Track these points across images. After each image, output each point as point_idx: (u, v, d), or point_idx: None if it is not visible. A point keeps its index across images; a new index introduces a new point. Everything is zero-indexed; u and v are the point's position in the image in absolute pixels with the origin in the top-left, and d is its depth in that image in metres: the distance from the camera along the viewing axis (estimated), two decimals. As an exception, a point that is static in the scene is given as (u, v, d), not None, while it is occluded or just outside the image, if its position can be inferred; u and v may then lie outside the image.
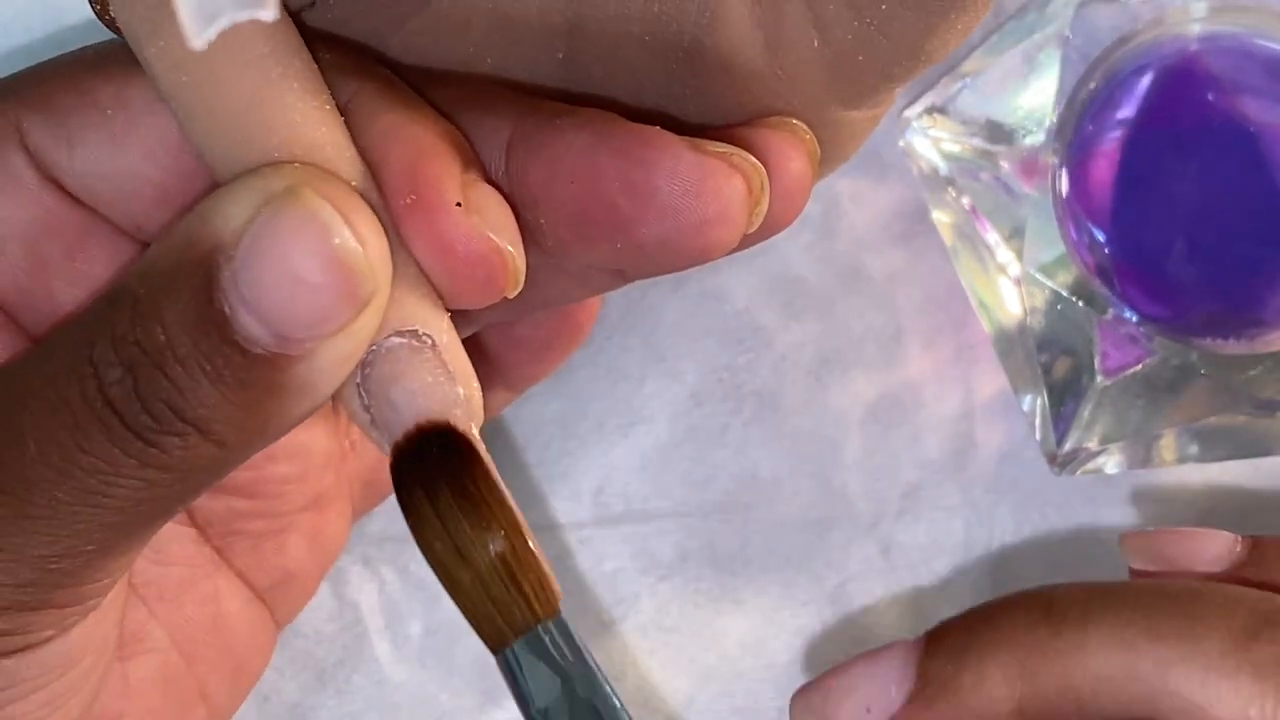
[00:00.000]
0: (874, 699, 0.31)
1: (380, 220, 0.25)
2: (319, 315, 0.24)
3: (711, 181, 0.26)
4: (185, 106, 0.25)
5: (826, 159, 0.29)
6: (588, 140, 0.26)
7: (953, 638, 0.31)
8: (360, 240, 0.24)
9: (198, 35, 0.22)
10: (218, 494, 0.32)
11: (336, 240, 0.24)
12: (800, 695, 0.32)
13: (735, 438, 0.38)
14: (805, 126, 0.28)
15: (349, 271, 0.24)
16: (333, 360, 0.25)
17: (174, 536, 0.32)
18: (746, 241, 0.28)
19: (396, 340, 0.26)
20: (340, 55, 0.27)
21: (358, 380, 0.26)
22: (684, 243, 0.26)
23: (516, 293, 0.27)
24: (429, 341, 0.26)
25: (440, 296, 0.26)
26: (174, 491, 0.26)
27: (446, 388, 0.26)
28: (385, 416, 0.26)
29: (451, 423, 0.26)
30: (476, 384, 0.27)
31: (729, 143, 0.27)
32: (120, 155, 0.27)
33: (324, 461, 0.33)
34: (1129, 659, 0.29)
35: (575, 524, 0.38)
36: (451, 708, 0.39)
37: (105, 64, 0.27)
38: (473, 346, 0.34)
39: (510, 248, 0.26)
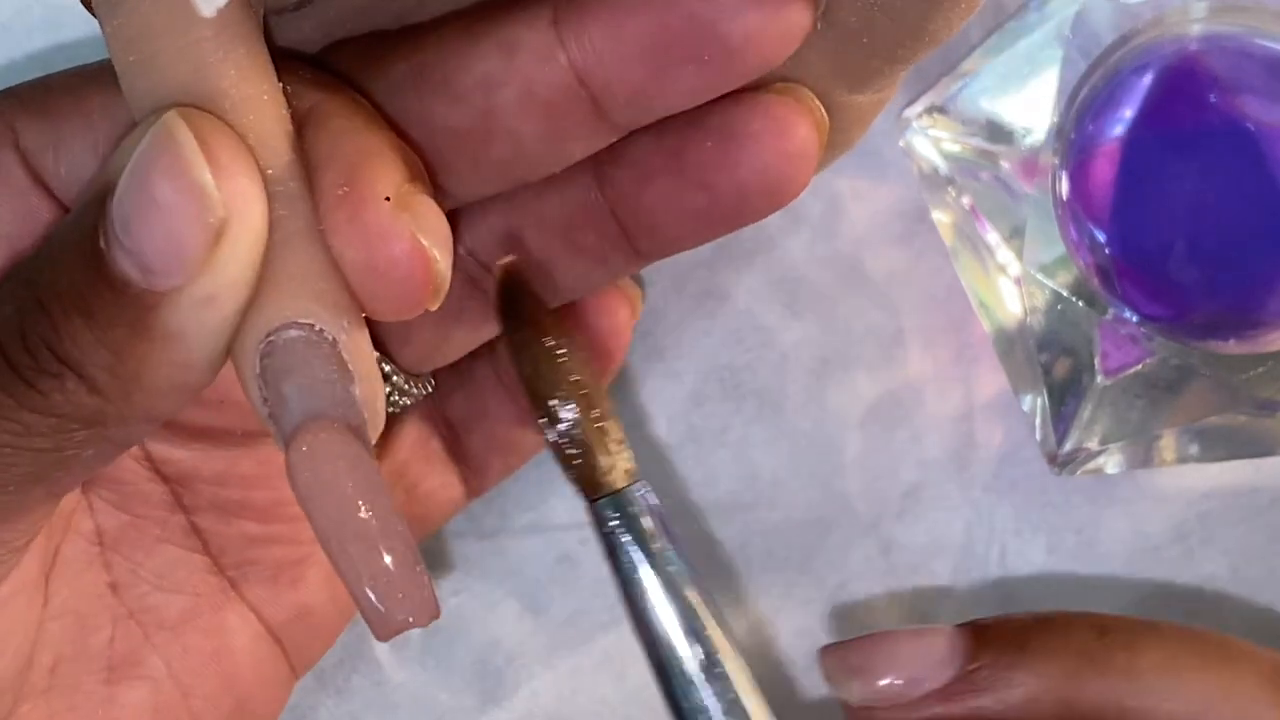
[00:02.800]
0: (918, 672, 0.32)
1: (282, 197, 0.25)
2: (170, 239, 0.24)
3: None
4: (131, 85, 0.26)
5: (832, 144, 0.29)
6: None
7: (1007, 635, 0.32)
8: (217, 168, 0.24)
9: (208, 5, 0.22)
10: (231, 517, 0.32)
11: (187, 162, 0.24)
12: (836, 650, 0.33)
13: (735, 438, 0.38)
14: (812, 95, 0.28)
15: (197, 194, 0.24)
16: (195, 301, 0.25)
17: (181, 563, 0.32)
18: (753, 207, 0.28)
19: (295, 333, 0.25)
20: (313, 71, 0.27)
21: (257, 370, 0.26)
22: (768, 26, 0.26)
23: (437, 305, 0.26)
24: (329, 338, 0.25)
25: (359, 297, 0.26)
26: (52, 444, 0.26)
27: (339, 387, 0.25)
28: (276, 410, 0.26)
29: None
30: (379, 387, 0.26)
31: (736, 108, 0.28)
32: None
33: None
34: (1176, 684, 0.31)
35: (575, 524, 0.38)
36: (451, 708, 0.39)
37: (103, 75, 0.28)
38: (502, 384, 0.34)
39: (436, 252, 0.25)
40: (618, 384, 0.38)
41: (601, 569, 0.38)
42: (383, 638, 0.25)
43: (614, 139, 0.28)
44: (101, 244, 0.25)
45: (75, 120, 0.27)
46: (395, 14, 0.28)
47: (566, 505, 0.38)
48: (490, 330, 0.32)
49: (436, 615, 0.25)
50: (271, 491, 0.32)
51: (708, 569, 0.38)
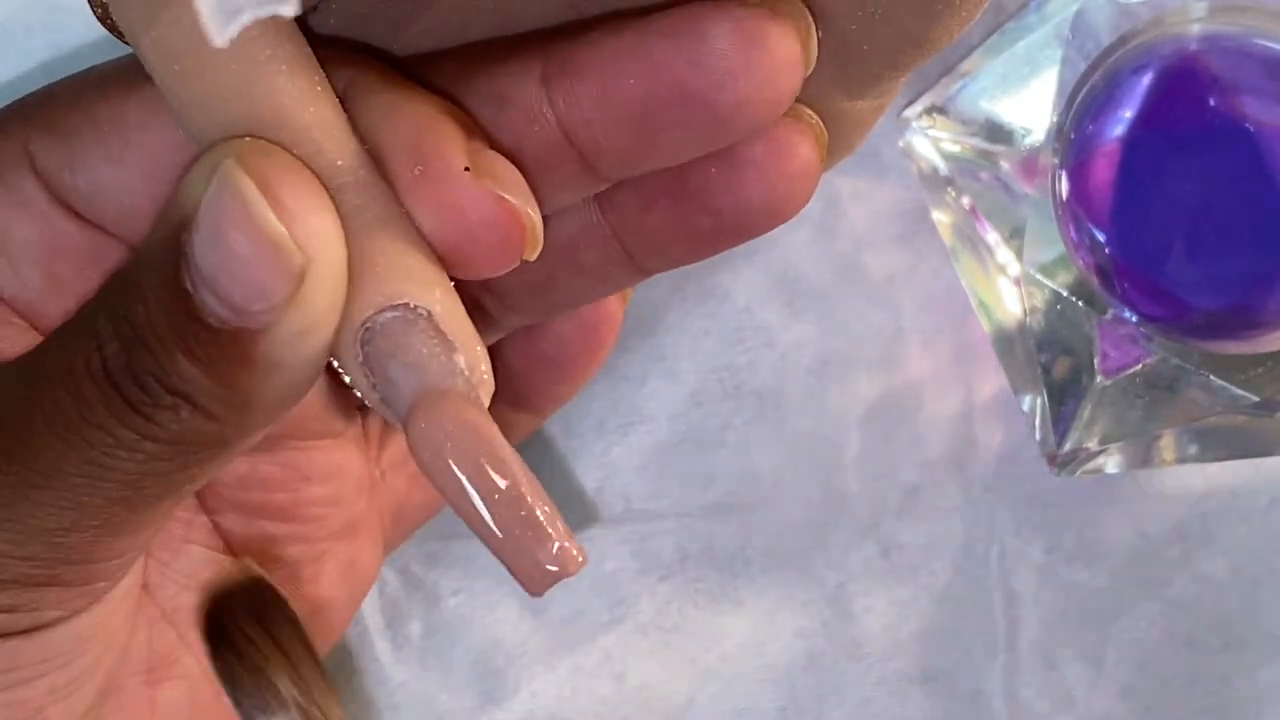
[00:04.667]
0: None
1: (339, 193, 0.25)
2: (256, 288, 0.24)
3: (766, 28, 0.26)
4: (178, 97, 0.25)
5: (832, 150, 0.29)
6: (631, 38, 0.26)
7: None
8: (284, 214, 0.24)
9: (219, 34, 0.22)
10: (253, 518, 0.32)
11: (255, 214, 0.24)
12: None
13: (735, 438, 0.38)
14: (811, 112, 0.28)
15: (271, 244, 0.24)
16: (292, 333, 0.25)
17: (207, 562, 0.32)
18: (759, 226, 0.28)
19: (390, 315, 0.26)
20: (334, 49, 0.27)
21: (360, 359, 0.26)
22: (757, 96, 0.26)
23: (536, 254, 0.26)
24: (424, 313, 0.26)
25: (455, 266, 0.26)
26: (176, 465, 0.26)
27: (443, 359, 0.26)
28: (387, 393, 0.26)
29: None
30: (481, 349, 0.26)
31: None
32: (119, 172, 0.27)
33: (357, 486, 0.33)
34: None
35: (575, 524, 0.38)
36: (451, 708, 0.39)
37: (107, 82, 0.28)
38: (494, 368, 0.34)
39: (526, 207, 0.26)
40: (618, 384, 0.38)
41: (600, 570, 0.38)
42: (536, 592, 0.25)
43: (604, 187, 0.28)
44: (188, 286, 0.25)
45: (86, 134, 0.27)
46: (391, 21, 0.28)
47: (566, 505, 0.38)
48: (487, 338, 0.33)
49: (584, 563, 0.25)
50: (291, 493, 0.32)
51: (708, 569, 0.38)
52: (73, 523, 0.26)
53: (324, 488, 0.33)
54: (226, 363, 0.25)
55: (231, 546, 0.32)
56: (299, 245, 0.24)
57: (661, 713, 0.38)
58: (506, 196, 0.26)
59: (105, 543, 0.27)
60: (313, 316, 0.25)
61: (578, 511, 0.38)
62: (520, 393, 0.35)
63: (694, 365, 0.38)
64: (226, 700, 0.32)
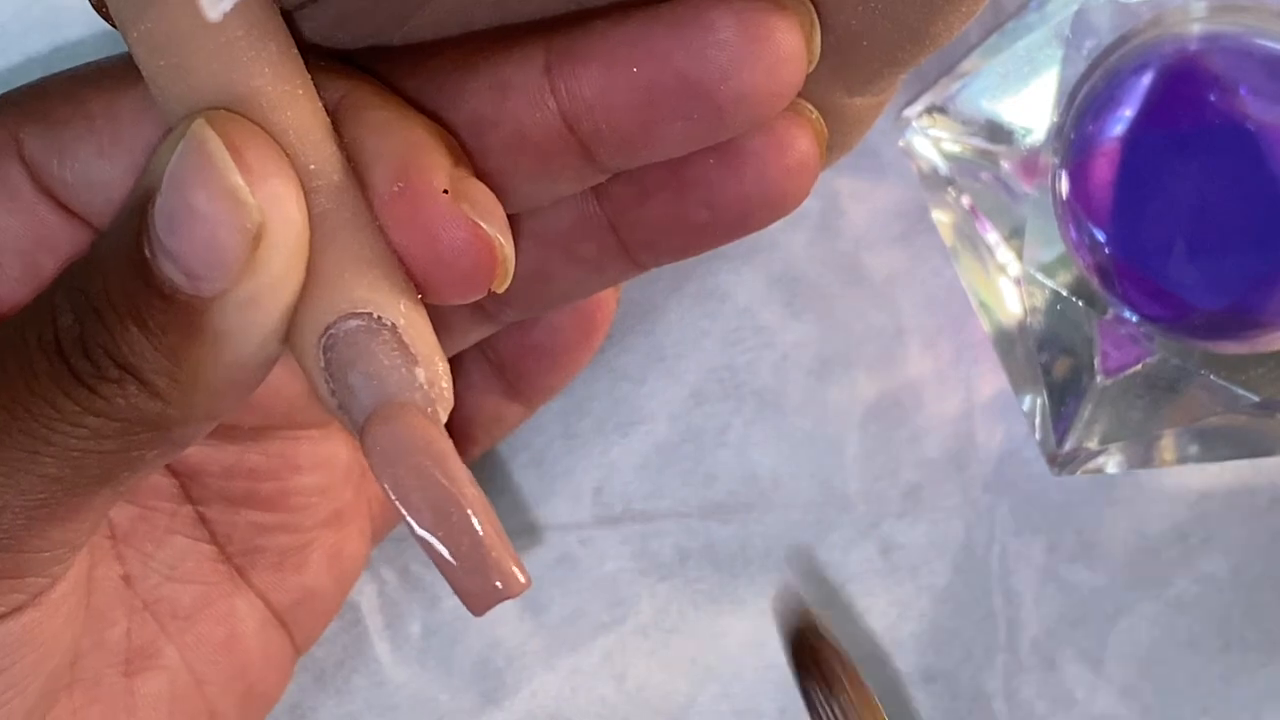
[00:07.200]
0: None
1: (313, 183, 0.26)
2: (211, 246, 0.24)
3: (771, 21, 0.26)
4: (163, 91, 0.26)
5: (831, 147, 0.29)
6: (635, 28, 0.26)
7: None
8: (249, 173, 0.24)
9: (213, 7, 0.22)
10: (239, 507, 0.32)
11: (219, 170, 0.24)
12: None
13: (735, 438, 0.38)
14: (810, 106, 0.28)
15: (231, 200, 0.24)
16: (242, 302, 0.25)
17: (191, 553, 0.32)
18: (756, 220, 0.28)
19: (353, 323, 0.26)
20: (333, 61, 0.27)
21: (322, 364, 0.26)
22: (760, 88, 0.26)
23: (504, 287, 0.26)
24: (388, 324, 0.26)
25: (423, 289, 0.26)
26: (117, 445, 0.26)
27: (403, 371, 0.26)
28: (345, 401, 0.26)
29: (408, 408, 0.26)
30: (443, 365, 0.26)
31: None
32: (108, 166, 0.27)
33: (344, 476, 0.33)
34: None
35: (575, 524, 0.38)
36: (451, 708, 0.39)
37: (101, 77, 0.28)
38: (487, 359, 0.34)
39: (499, 237, 0.26)
40: (618, 384, 0.38)
41: (600, 570, 0.38)
42: (478, 612, 0.25)
43: (604, 179, 0.28)
44: (146, 252, 0.25)
45: (77, 126, 0.27)
46: (391, 13, 0.28)
47: (566, 505, 0.38)
48: (477, 335, 0.33)
49: (527, 585, 0.26)
50: (277, 483, 0.32)
51: (708, 569, 0.38)
52: (5, 502, 0.26)
53: (311, 477, 0.33)
54: (176, 333, 0.25)
55: (216, 537, 0.32)
56: (258, 205, 0.25)
57: (661, 713, 0.38)
58: (481, 224, 0.26)
59: (39, 529, 0.27)
60: (262, 282, 0.25)
61: (578, 511, 0.38)
62: (512, 382, 0.35)
63: (694, 365, 0.38)
64: (205, 690, 0.32)
